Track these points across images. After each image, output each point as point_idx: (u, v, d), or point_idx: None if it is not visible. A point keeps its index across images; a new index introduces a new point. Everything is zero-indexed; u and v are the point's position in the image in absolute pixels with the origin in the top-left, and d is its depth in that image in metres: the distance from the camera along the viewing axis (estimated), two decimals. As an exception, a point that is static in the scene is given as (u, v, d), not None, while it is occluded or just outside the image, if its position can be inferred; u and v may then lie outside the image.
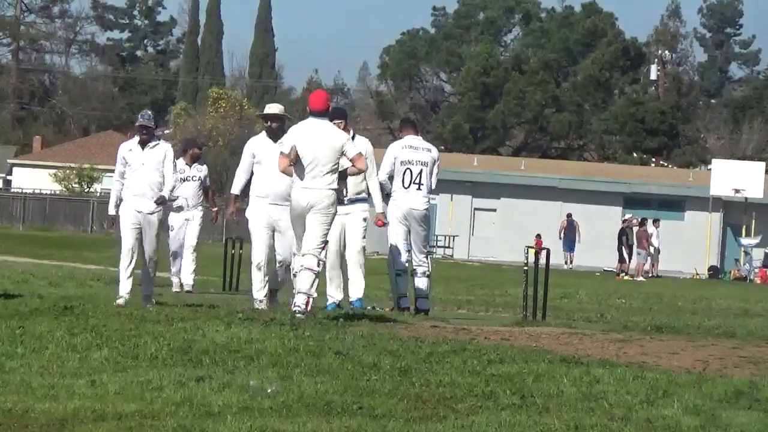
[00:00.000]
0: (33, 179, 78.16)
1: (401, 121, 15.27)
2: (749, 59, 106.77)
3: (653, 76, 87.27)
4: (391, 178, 13.93)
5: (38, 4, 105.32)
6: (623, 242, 40.30)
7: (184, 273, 18.46)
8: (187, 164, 18.57)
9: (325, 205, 11.94)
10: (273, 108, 13.64)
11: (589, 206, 52.94)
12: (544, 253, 14.53)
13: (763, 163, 51.19)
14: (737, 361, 10.02)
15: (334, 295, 13.69)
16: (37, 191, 68.88)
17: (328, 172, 11.97)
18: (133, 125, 14.46)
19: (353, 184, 13.39)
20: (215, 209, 19.23)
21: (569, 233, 47.77)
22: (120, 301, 13.21)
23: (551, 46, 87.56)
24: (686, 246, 51.73)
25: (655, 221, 43.17)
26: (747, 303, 24.17)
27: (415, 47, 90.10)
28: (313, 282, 11.90)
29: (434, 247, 48.87)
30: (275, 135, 13.26)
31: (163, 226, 15.64)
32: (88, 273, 22.27)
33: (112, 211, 13.83)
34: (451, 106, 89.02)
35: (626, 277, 38.85)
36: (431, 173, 14.02)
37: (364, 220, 13.60)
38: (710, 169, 53.35)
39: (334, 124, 12.53)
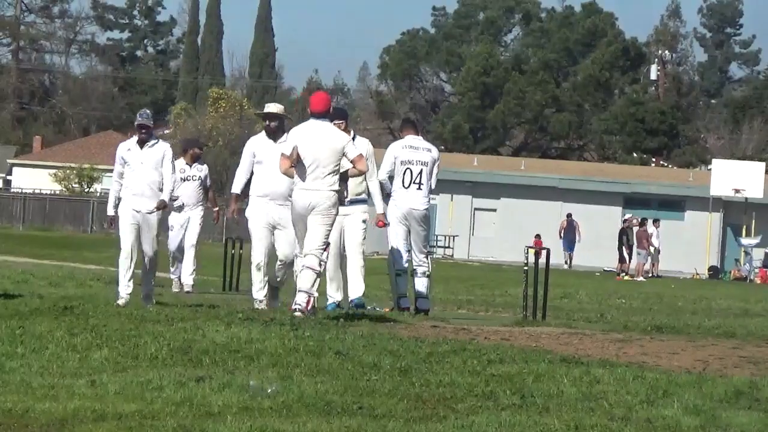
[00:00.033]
0: (33, 179, 78.13)
1: (402, 121, 15.28)
2: (749, 59, 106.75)
3: (653, 76, 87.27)
4: (391, 178, 13.93)
5: (38, 4, 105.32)
6: (623, 242, 40.28)
7: (184, 273, 18.45)
8: (187, 164, 18.57)
9: (327, 207, 11.94)
10: (272, 107, 13.64)
11: (589, 206, 52.93)
12: (544, 253, 14.54)
13: (763, 163, 51.19)
14: (737, 361, 10.02)
15: (334, 295, 13.71)
16: (37, 191, 68.85)
17: (329, 174, 11.97)
18: (133, 125, 14.45)
19: (353, 185, 13.37)
20: (216, 209, 19.24)
21: (569, 233, 47.76)
22: (120, 302, 13.21)
23: (551, 46, 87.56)
24: (686, 246, 51.72)
25: (655, 221, 43.15)
26: (747, 303, 24.17)
27: (415, 47, 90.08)
28: (315, 281, 11.91)
29: (434, 247, 48.87)
30: (274, 134, 13.28)
31: (163, 226, 15.63)
32: (88, 273, 22.25)
33: (111, 211, 13.81)
34: (451, 106, 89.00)
35: (626, 277, 38.84)
36: (431, 173, 14.01)
37: (364, 221, 13.60)
38: (710, 169, 53.36)
39: (335, 124, 12.54)
